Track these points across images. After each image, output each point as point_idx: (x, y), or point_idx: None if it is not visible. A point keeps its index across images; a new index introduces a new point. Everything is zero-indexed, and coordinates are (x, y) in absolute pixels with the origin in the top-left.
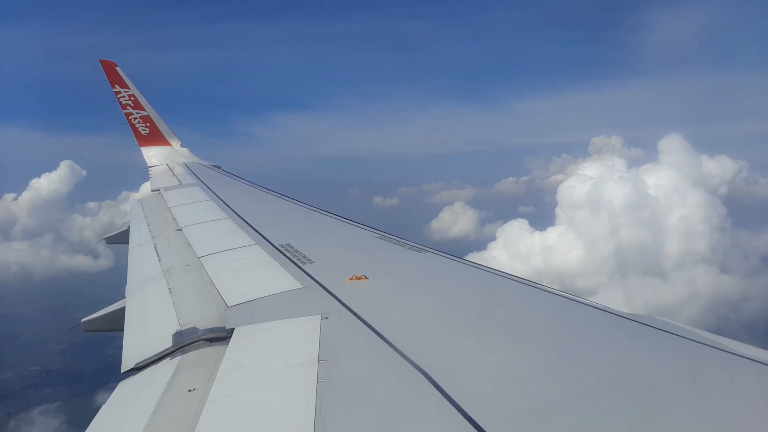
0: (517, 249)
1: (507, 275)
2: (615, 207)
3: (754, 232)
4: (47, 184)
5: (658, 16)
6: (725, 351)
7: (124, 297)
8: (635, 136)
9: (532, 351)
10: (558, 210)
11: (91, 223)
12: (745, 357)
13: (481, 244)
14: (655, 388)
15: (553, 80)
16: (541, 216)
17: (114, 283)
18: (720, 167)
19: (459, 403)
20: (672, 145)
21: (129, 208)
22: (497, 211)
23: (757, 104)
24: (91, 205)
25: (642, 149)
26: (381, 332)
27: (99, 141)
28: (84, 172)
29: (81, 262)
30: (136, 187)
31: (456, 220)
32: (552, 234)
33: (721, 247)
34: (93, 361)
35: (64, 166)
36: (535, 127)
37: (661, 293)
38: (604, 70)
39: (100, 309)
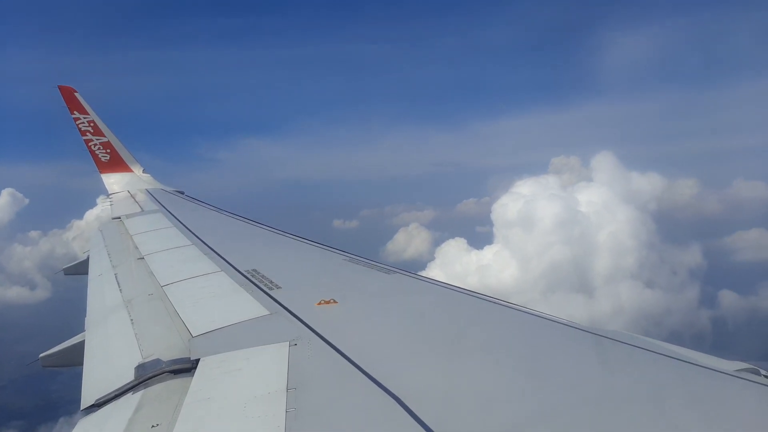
0: (453, 268)
1: (478, 295)
2: (546, 225)
3: (682, 246)
4: None
5: (615, 39)
6: (689, 362)
7: (70, 328)
8: (593, 156)
9: (505, 371)
10: (494, 229)
11: (30, 252)
12: (709, 368)
13: (422, 265)
14: (633, 404)
15: (514, 102)
16: (492, 236)
17: (53, 314)
18: (650, 184)
19: (432, 427)
20: (604, 163)
21: (72, 236)
22: (454, 231)
23: (713, 123)
24: (34, 234)
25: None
26: (351, 357)
27: (49, 168)
28: (26, 201)
29: (17, 293)
30: (82, 215)
31: (411, 241)
32: (488, 253)
33: (649, 263)
34: (34, 398)
35: (6, 195)
36: (497, 148)
37: (587, 309)
38: (563, 92)
39: (39, 342)
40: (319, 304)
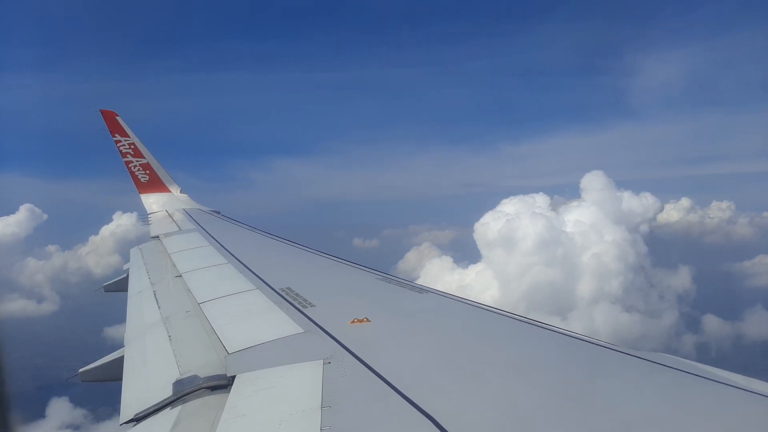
0: (436, 288)
1: (511, 315)
2: (528, 245)
3: (672, 270)
4: (3, 228)
5: (646, 62)
6: (734, 386)
7: (77, 342)
8: (626, 178)
9: (541, 392)
10: (479, 248)
11: (43, 266)
12: (755, 392)
13: None
14: (681, 429)
15: (545, 124)
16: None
17: (58, 327)
18: (642, 205)
19: None
20: (594, 183)
21: (86, 251)
22: (467, 252)
23: (750, 146)
24: (51, 248)
25: (632, 190)
26: (385, 376)
27: (69, 185)
28: (45, 216)
29: (23, 306)
30: (98, 231)
31: (420, 261)
32: (472, 272)
33: (635, 286)
34: (42, 411)
35: (24, 210)
36: (527, 170)
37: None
38: (596, 114)
39: (47, 356)
40: (353, 322)
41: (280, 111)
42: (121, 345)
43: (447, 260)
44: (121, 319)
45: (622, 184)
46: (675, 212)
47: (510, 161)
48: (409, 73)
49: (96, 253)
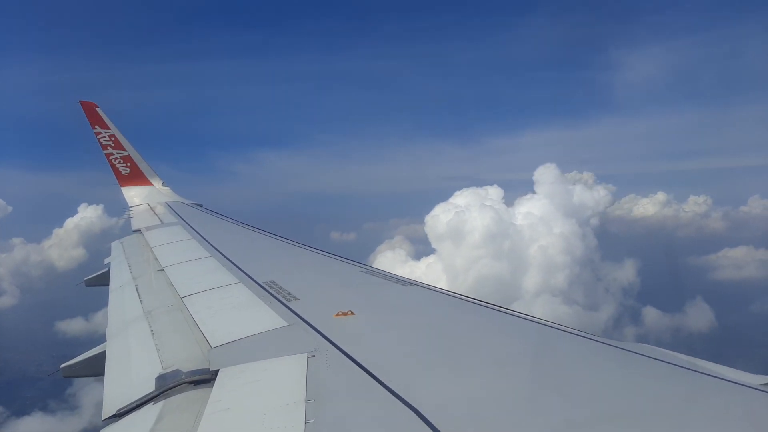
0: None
1: (496, 307)
2: (477, 238)
3: (621, 264)
4: None
5: (628, 57)
6: (711, 375)
7: (36, 336)
8: (608, 172)
9: (525, 383)
10: (431, 240)
11: (5, 259)
12: (732, 381)
13: None
14: (657, 418)
15: (529, 118)
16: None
17: (16, 322)
18: (594, 198)
19: None
20: (546, 176)
21: (49, 244)
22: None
23: (727, 141)
24: (15, 240)
25: (614, 185)
26: (369, 369)
27: (35, 177)
28: (10, 208)
29: None
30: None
31: (392, 254)
32: (423, 264)
33: (581, 279)
34: (10, 406)
35: None
36: (510, 163)
37: None
38: (580, 108)
39: (15, 348)
40: (337, 315)
41: (262, 103)
42: (73, 340)
43: (400, 253)
44: (75, 313)
45: (604, 178)
46: (651, 206)
47: (492, 155)
48: (393, 66)
49: (59, 246)
